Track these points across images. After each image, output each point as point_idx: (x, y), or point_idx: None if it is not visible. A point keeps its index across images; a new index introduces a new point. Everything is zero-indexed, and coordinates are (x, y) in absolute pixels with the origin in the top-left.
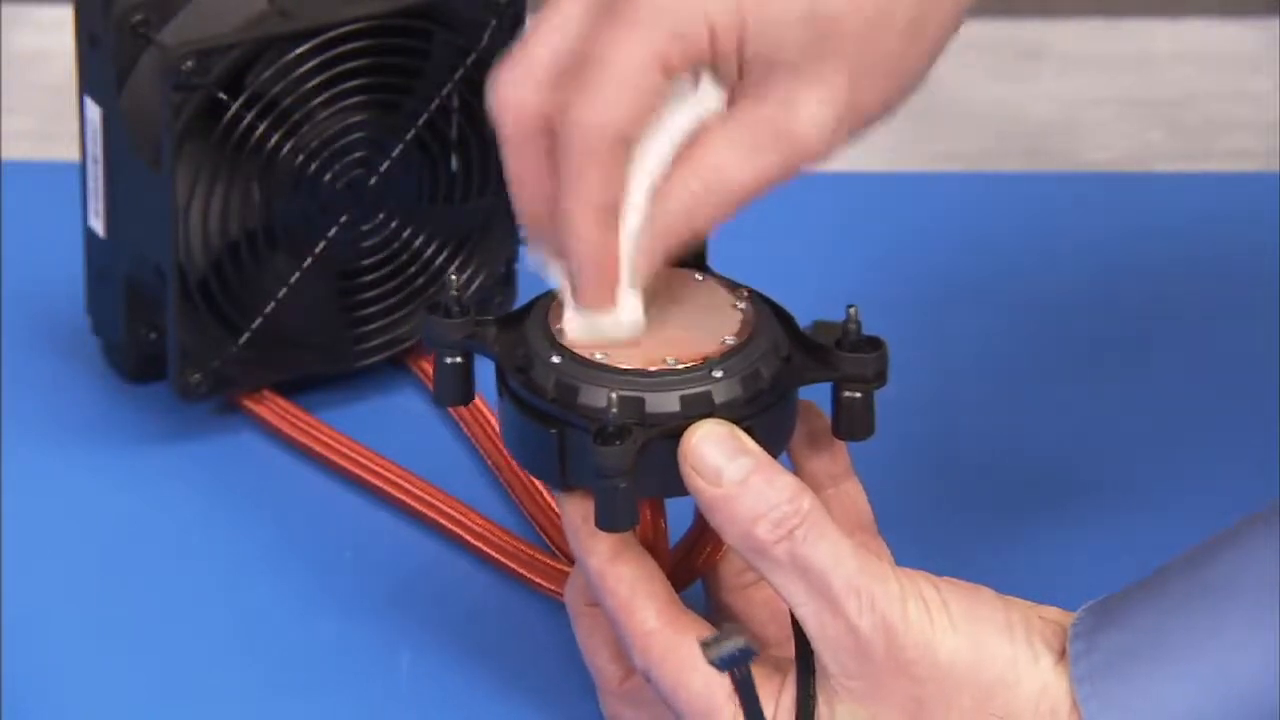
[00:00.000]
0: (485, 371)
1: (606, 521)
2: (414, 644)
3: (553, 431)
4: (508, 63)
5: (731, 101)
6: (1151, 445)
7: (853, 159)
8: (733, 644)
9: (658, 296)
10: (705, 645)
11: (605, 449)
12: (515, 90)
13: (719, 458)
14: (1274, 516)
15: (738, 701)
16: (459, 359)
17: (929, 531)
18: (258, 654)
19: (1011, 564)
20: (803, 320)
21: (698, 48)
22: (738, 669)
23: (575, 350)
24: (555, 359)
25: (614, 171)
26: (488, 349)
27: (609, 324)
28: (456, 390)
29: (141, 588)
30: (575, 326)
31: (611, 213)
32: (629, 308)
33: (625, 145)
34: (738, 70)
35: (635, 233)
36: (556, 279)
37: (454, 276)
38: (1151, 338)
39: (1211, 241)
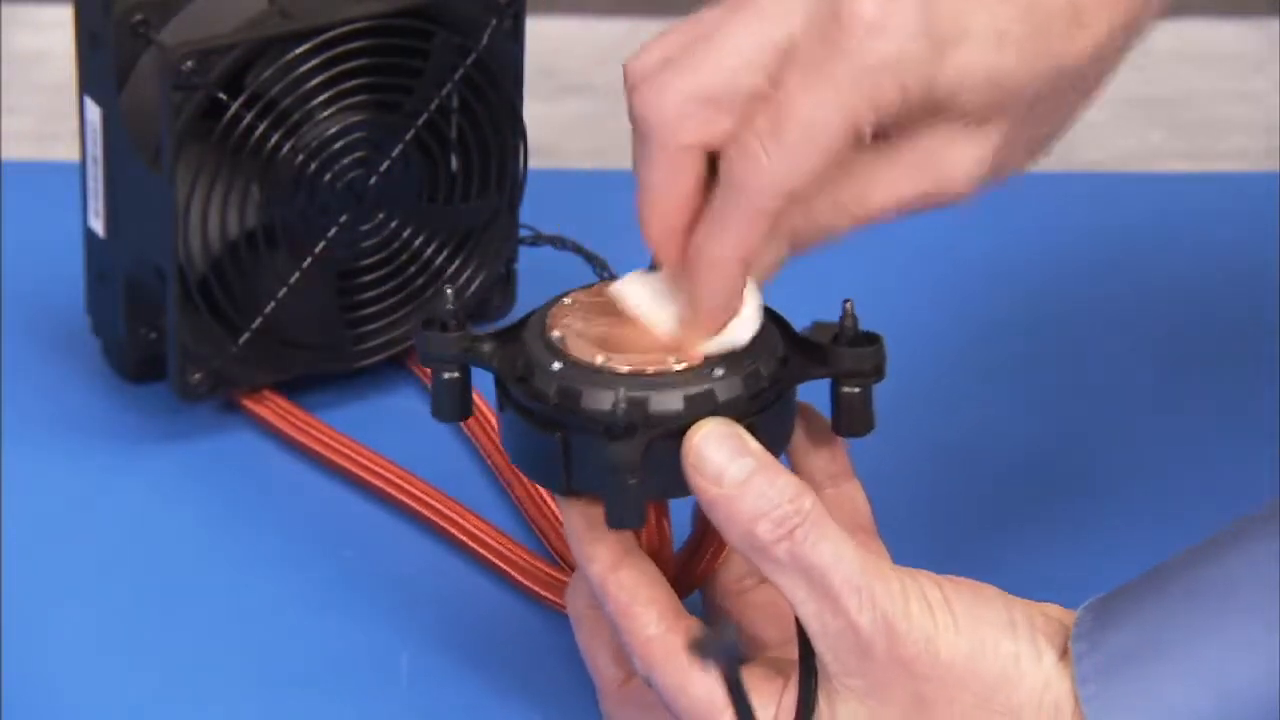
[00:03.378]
0: (484, 373)
1: (616, 519)
2: (414, 645)
3: (557, 436)
4: (672, 73)
5: (886, 138)
6: (1151, 444)
7: None
8: (724, 641)
9: (654, 298)
10: (695, 643)
11: (615, 445)
12: (680, 103)
13: (722, 457)
14: (1274, 515)
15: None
16: (456, 374)
17: (929, 531)
18: (257, 654)
19: (1011, 562)
20: (801, 320)
21: (889, 112)
22: (726, 665)
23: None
24: (556, 366)
25: (773, 226)
26: (486, 362)
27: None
28: (455, 405)
29: (141, 587)
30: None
31: (753, 260)
32: (744, 322)
33: (793, 200)
34: (908, 120)
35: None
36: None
37: (449, 291)
38: (1151, 337)
39: (1211, 241)
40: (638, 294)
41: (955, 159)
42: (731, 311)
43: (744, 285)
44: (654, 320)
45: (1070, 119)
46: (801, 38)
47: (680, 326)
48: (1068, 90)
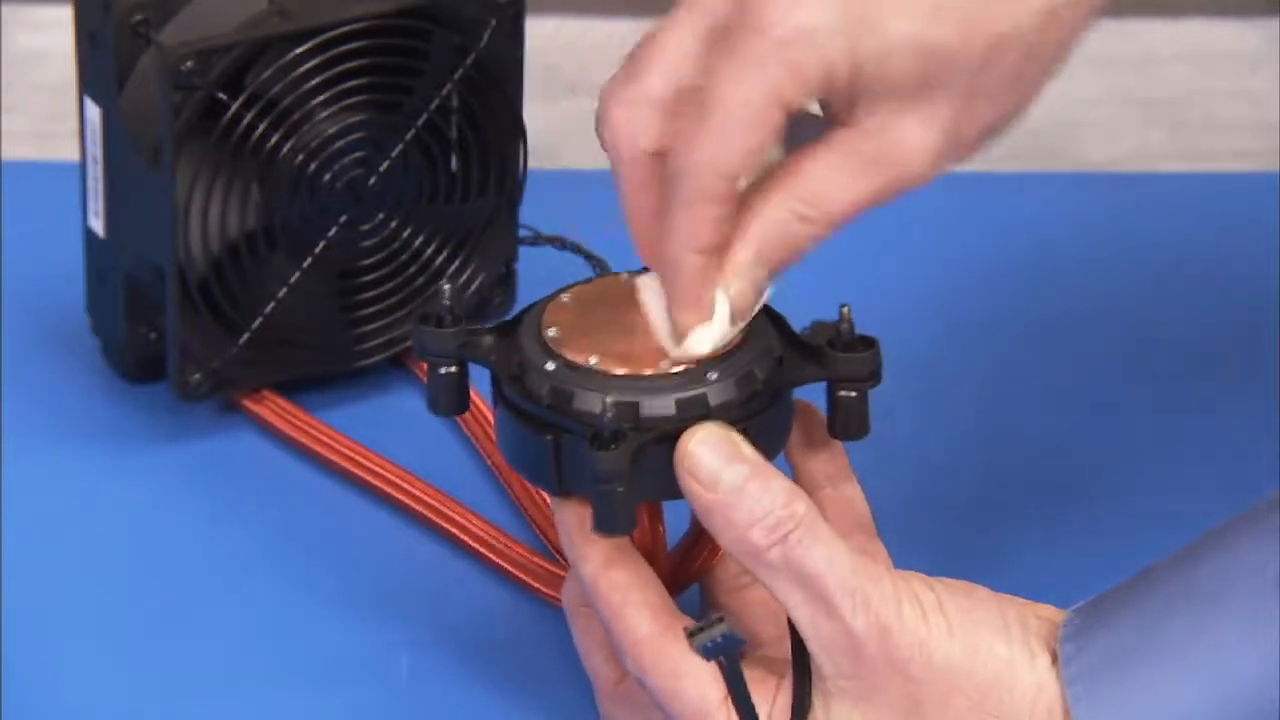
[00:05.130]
0: (482, 372)
1: (604, 526)
2: (414, 644)
3: (548, 438)
4: (619, 85)
5: (835, 124)
6: (1149, 445)
7: None
8: (718, 631)
9: (651, 299)
10: (691, 633)
11: (601, 453)
12: (630, 117)
13: (715, 463)
14: (1261, 517)
15: (730, 708)
16: (453, 369)
17: (926, 532)
18: (257, 654)
19: (1008, 563)
20: (800, 321)
21: (813, 85)
22: (724, 657)
23: (569, 358)
24: (550, 366)
25: (724, 210)
26: (482, 358)
27: (696, 339)
28: (451, 400)
29: (142, 587)
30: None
31: (717, 251)
32: (718, 326)
33: (736, 182)
34: (847, 101)
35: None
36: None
37: (445, 287)
38: (1150, 338)
39: (1211, 241)
40: (650, 295)
41: (907, 141)
42: (698, 312)
43: (706, 283)
44: (652, 323)
45: (1031, 92)
46: (724, 21)
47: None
48: (1020, 61)
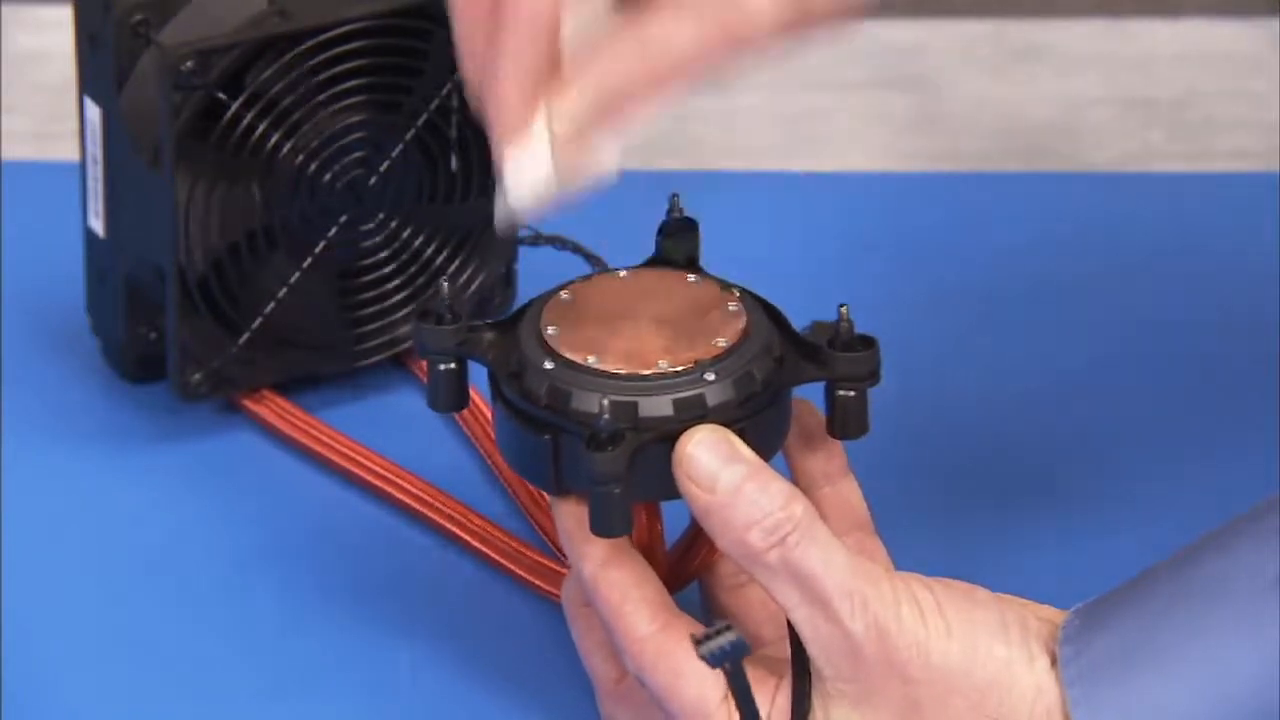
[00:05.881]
0: (481, 370)
1: (600, 527)
2: (414, 644)
3: (546, 437)
4: None
5: None
6: (1149, 445)
7: (852, 159)
8: (725, 639)
9: (650, 298)
10: (697, 641)
11: (598, 455)
12: None
13: (713, 464)
14: (1261, 517)
15: (731, 705)
16: (452, 365)
17: (925, 531)
18: (257, 654)
19: (1007, 563)
20: (800, 320)
21: None
22: (729, 664)
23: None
24: (548, 365)
25: (551, 34)
26: (481, 355)
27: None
28: (451, 396)
29: (141, 587)
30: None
31: (541, 79)
32: (538, 161)
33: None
34: None
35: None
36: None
37: (445, 284)
38: (1150, 338)
39: (1211, 241)
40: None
41: None
42: (515, 134)
43: (526, 107)
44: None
45: None
46: None
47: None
48: None
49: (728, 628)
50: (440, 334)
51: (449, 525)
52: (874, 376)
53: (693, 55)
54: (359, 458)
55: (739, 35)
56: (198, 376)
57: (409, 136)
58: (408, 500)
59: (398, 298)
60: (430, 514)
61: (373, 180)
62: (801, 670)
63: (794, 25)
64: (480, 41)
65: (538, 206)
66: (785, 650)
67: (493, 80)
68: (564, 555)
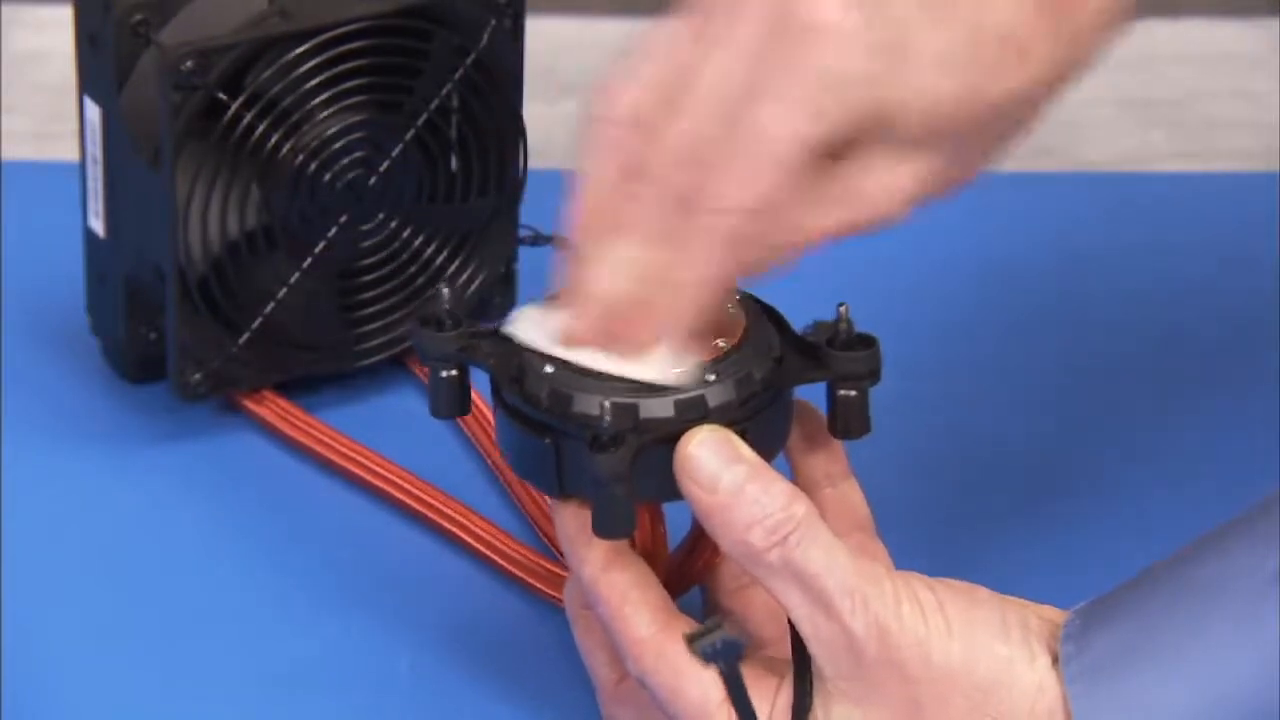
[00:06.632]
0: (483, 373)
1: (603, 528)
2: (414, 644)
3: (547, 441)
4: (628, 67)
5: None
6: (1149, 445)
7: None
8: (717, 635)
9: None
10: (691, 638)
11: (601, 456)
12: (627, 89)
13: (714, 465)
14: (1259, 517)
15: (731, 707)
16: (454, 371)
17: (926, 531)
18: (257, 654)
19: (1008, 563)
20: (801, 320)
21: (835, 134)
22: (724, 662)
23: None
24: (548, 369)
25: (741, 255)
26: (481, 361)
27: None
28: (453, 402)
29: (141, 587)
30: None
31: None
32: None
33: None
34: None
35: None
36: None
37: (445, 290)
38: (1150, 338)
39: (1211, 241)
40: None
41: (884, 187)
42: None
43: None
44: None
45: (1003, 154)
46: (757, 48)
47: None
48: (1008, 128)
49: (720, 624)
50: (441, 340)
51: (449, 525)
52: (875, 376)
53: (818, 237)
54: (359, 458)
55: (864, 229)
56: (198, 376)
57: (409, 136)
58: (408, 500)
59: (397, 298)
60: (430, 514)
61: (373, 180)
62: (802, 669)
63: (922, 205)
64: (616, 172)
65: None
66: (786, 650)
67: (682, 272)
68: (564, 557)
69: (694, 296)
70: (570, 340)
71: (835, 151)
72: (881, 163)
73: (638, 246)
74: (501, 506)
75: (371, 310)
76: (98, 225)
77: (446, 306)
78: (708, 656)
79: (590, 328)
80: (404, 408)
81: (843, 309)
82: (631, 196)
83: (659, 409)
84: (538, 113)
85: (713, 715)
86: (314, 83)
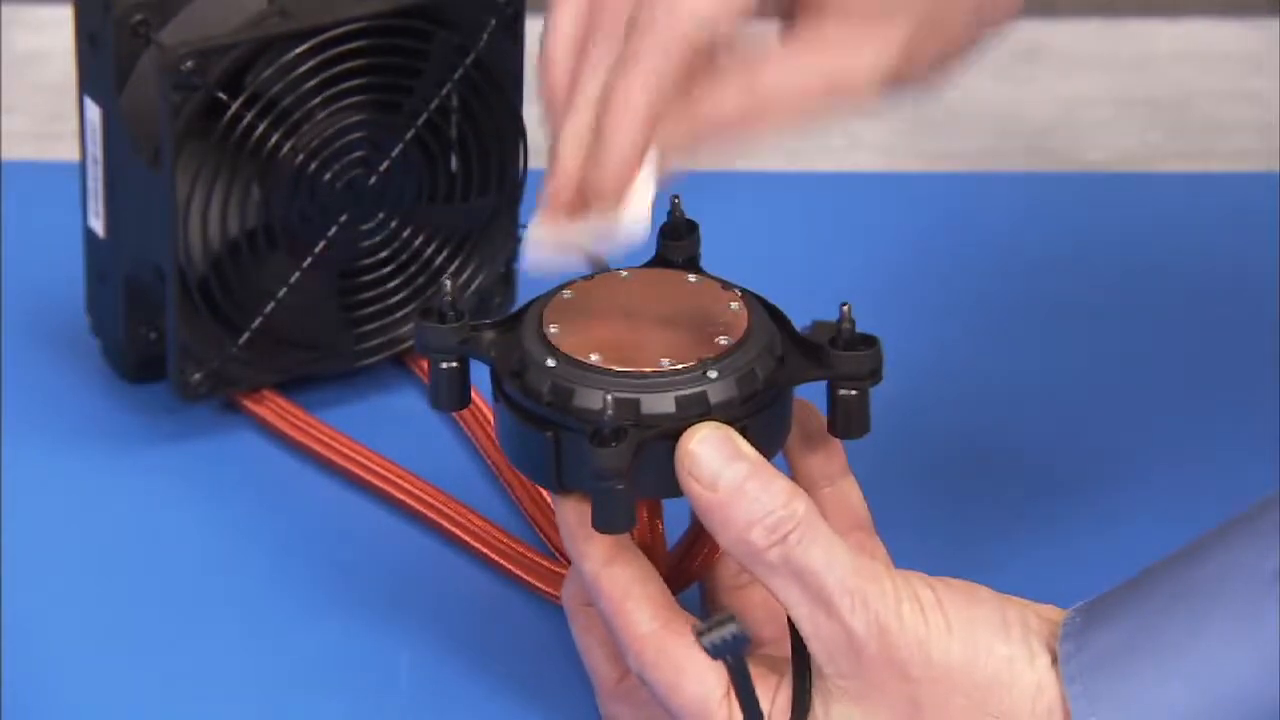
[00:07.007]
0: (483, 370)
1: (603, 523)
2: (414, 644)
3: (548, 435)
4: None
5: (791, 30)
6: (1149, 445)
7: (852, 159)
8: (727, 630)
9: (652, 297)
10: (699, 632)
11: (601, 450)
12: None
13: (715, 462)
14: (1259, 516)
15: (733, 702)
16: (455, 364)
17: (926, 530)
18: (257, 654)
19: (1008, 563)
20: (801, 320)
21: None
22: (731, 656)
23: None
24: (550, 362)
25: (681, 73)
26: (483, 354)
27: (603, 228)
28: (453, 395)
29: (141, 588)
30: (564, 231)
31: (658, 118)
32: (637, 209)
33: (707, 37)
34: (814, 8)
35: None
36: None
37: (447, 282)
38: (1150, 338)
39: (1211, 241)
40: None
41: (857, 54)
42: (630, 174)
43: (646, 142)
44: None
45: (983, 31)
46: None
47: (554, 203)
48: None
49: (730, 619)
50: (442, 332)
51: (449, 525)
52: (876, 376)
53: (792, 103)
54: (359, 458)
55: (838, 104)
56: (198, 376)
57: (409, 136)
58: (408, 500)
59: (398, 298)
60: (430, 514)
61: (373, 180)
62: (802, 668)
63: (892, 91)
64: (578, 29)
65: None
66: (786, 649)
67: (619, 93)
68: (563, 556)
69: (648, 103)
70: (554, 207)
71: (800, 21)
72: (852, 31)
73: (598, 85)
74: (501, 506)
75: (372, 310)
76: (98, 225)
77: (448, 300)
78: (716, 650)
79: (566, 189)
80: (404, 408)
81: (845, 308)
82: (591, 42)
83: (660, 404)
84: (538, 113)
85: (713, 712)
86: (314, 82)
